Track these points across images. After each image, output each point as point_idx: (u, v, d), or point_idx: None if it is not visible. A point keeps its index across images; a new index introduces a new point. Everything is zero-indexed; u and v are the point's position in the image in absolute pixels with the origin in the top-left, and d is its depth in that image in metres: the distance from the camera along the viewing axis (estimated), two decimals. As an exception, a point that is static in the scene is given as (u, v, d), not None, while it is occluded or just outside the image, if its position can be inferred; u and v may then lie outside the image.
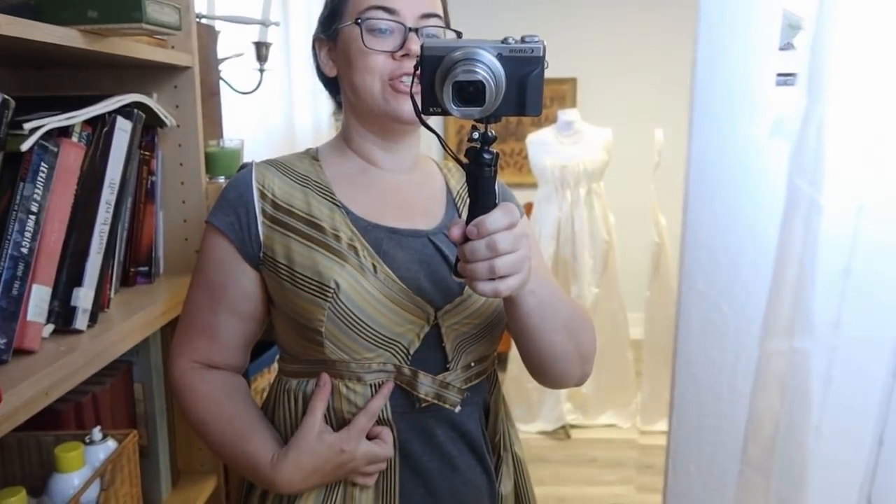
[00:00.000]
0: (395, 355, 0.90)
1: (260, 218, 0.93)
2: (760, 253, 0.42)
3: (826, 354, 0.40)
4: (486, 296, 0.77)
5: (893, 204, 0.40)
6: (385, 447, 0.91)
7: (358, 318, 0.88)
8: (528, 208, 3.52)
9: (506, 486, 1.02)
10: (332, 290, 0.88)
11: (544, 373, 0.96)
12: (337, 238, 0.91)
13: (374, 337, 0.89)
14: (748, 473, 0.41)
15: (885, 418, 0.38)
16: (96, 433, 1.02)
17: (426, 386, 0.91)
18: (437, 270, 0.93)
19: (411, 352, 0.91)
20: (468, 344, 0.94)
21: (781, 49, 0.45)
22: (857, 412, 0.40)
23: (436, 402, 0.92)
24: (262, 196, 0.94)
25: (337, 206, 0.94)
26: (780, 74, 0.44)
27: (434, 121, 0.80)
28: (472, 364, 0.96)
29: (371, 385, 0.91)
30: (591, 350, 0.98)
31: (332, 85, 1.02)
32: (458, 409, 0.93)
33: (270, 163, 0.98)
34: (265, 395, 1.53)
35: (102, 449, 1.01)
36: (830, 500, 0.41)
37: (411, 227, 0.95)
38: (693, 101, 0.43)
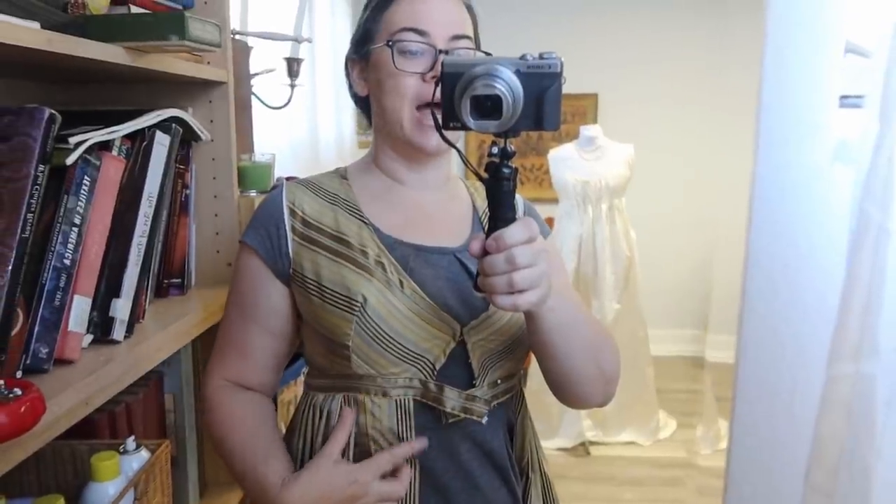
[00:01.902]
0: (420, 370, 0.91)
1: (290, 235, 0.95)
2: (821, 278, 0.42)
3: (891, 378, 0.39)
4: (505, 309, 0.77)
5: None
6: (399, 486, 0.90)
7: (384, 332, 0.89)
8: (549, 223, 3.52)
9: None
10: (359, 304, 0.89)
11: (566, 392, 0.95)
12: (364, 254, 0.92)
13: (400, 351, 0.90)
14: (812, 496, 0.41)
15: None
16: (130, 443, 1.03)
17: (453, 400, 0.91)
18: (463, 287, 0.93)
19: (437, 367, 0.91)
20: (494, 361, 0.94)
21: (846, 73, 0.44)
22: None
23: (463, 415, 0.91)
24: (293, 213, 0.96)
25: (365, 222, 0.95)
26: (844, 97, 0.43)
27: (457, 139, 0.81)
28: (499, 381, 0.95)
29: (396, 400, 0.91)
30: (614, 372, 0.97)
31: (364, 104, 1.04)
32: (485, 420, 0.92)
33: (301, 182, 1.00)
34: (290, 408, 1.55)
35: (136, 459, 1.03)
36: (897, 524, 0.41)
37: (437, 244, 0.96)
38: (758, 126, 0.43)
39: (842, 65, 0.41)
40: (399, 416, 0.91)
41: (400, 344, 0.89)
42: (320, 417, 0.95)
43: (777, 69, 0.42)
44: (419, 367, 0.91)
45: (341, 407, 0.93)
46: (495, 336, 0.93)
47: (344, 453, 0.91)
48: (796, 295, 0.41)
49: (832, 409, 0.39)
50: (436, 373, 0.91)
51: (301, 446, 0.97)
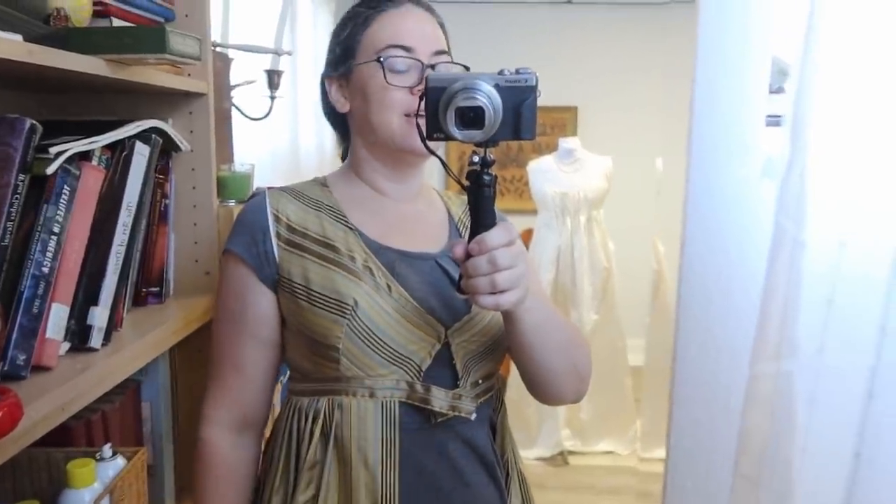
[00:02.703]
0: (407, 372, 0.93)
1: (275, 241, 0.97)
2: (751, 283, 0.46)
3: (810, 378, 0.43)
4: (487, 308, 0.82)
5: (872, 240, 0.43)
6: None
7: (374, 334, 0.92)
8: (528, 235, 3.56)
9: (509, 500, 1.04)
10: (350, 308, 0.91)
11: (542, 390, 1.00)
12: (352, 259, 0.95)
13: (388, 353, 0.93)
14: (740, 483, 0.44)
15: (864, 432, 0.41)
16: (106, 450, 1.04)
17: (441, 399, 0.94)
18: (445, 291, 0.97)
19: (423, 369, 0.94)
20: (476, 361, 0.98)
21: (773, 93, 0.48)
22: (839, 431, 0.43)
23: (451, 413, 0.94)
24: (277, 220, 0.98)
25: (350, 228, 0.98)
26: (770, 116, 0.47)
27: (438, 149, 0.85)
28: (480, 381, 0.99)
29: (382, 402, 0.93)
30: (587, 370, 1.02)
31: (338, 120, 1.07)
32: (473, 416, 0.96)
33: (283, 189, 1.03)
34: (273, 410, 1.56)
35: (112, 466, 1.03)
36: (814, 509, 0.44)
37: (419, 249, 1.00)
38: (690, 143, 0.47)
39: (768, 86, 0.44)
40: (384, 418, 0.93)
41: (389, 346, 0.92)
42: (306, 420, 0.96)
43: (708, 88, 0.45)
44: (406, 368, 0.93)
45: (325, 409, 0.95)
46: (477, 337, 0.97)
47: (326, 456, 0.93)
48: (728, 300, 0.44)
49: (756, 405, 0.42)
50: (422, 374, 0.94)
51: (285, 449, 0.98)
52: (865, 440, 0.39)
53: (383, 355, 0.93)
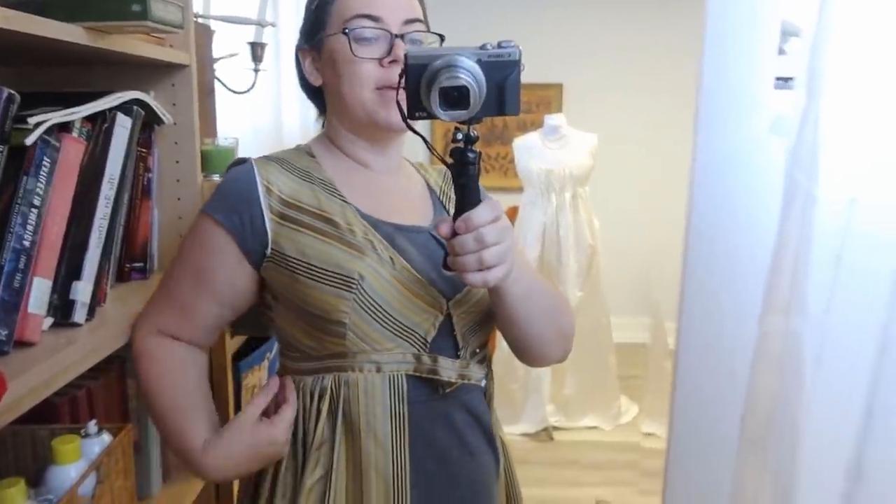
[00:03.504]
0: (413, 345, 0.93)
1: (267, 214, 0.94)
2: (757, 242, 0.45)
3: (818, 337, 0.43)
4: (476, 286, 0.83)
5: (883, 197, 0.43)
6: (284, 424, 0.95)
7: (381, 307, 0.91)
8: (514, 212, 3.55)
9: (501, 467, 1.05)
10: (356, 282, 0.90)
11: (530, 354, 1.02)
12: (352, 233, 0.93)
13: (395, 326, 0.92)
14: (746, 444, 0.44)
15: (874, 392, 0.41)
16: (92, 426, 1.03)
17: (448, 369, 0.94)
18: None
19: (429, 340, 0.94)
20: (473, 331, 0.98)
21: (781, 54, 0.48)
22: (846, 391, 0.43)
23: (461, 381, 0.95)
24: (269, 192, 0.95)
25: (346, 202, 0.96)
26: (779, 78, 0.47)
27: (421, 125, 0.84)
28: (478, 350, 1.00)
29: (389, 376, 0.93)
30: (571, 328, 1.04)
31: (315, 93, 1.04)
32: (483, 382, 0.98)
33: (270, 159, 1.00)
34: (254, 392, 1.55)
35: (98, 442, 1.02)
36: (820, 470, 0.44)
37: (411, 223, 0.99)
38: (699, 100, 0.46)
39: (777, 48, 0.44)
40: (392, 392, 0.93)
41: (395, 319, 0.92)
42: (311, 399, 0.95)
43: (717, 51, 0.44)
44: (411, 341, 0.93)
45: (331, 386, 0.94)
46: (475, 308, 0.97)
47: (335, 434, 0.93)
48: (734, 262, 0.44)
49: (764, 363, 0.42)
50: (427, 346, 0.94)
51: (293, 433, 0.96)
52: (877, 398, 0.39)
53: (390, 328, 0.92)
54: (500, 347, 3.02)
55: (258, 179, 0.95)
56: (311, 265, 0.92)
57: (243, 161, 1.00)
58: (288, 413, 0.95)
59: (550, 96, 4.62)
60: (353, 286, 0.90)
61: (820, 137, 0.40)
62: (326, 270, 0.91)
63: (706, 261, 0.45)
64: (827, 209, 0.42)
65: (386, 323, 0.92)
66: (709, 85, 0.45)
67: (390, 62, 0.93)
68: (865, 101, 0.42)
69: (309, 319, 0.93)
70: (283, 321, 0.98)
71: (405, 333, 0.93)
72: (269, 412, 0.97)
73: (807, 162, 0.40)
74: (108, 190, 1.02)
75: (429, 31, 0.99)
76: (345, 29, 0.93)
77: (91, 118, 1.01)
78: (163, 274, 1.02)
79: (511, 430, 3.37)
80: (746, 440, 0.42)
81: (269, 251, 0.94)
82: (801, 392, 0.42)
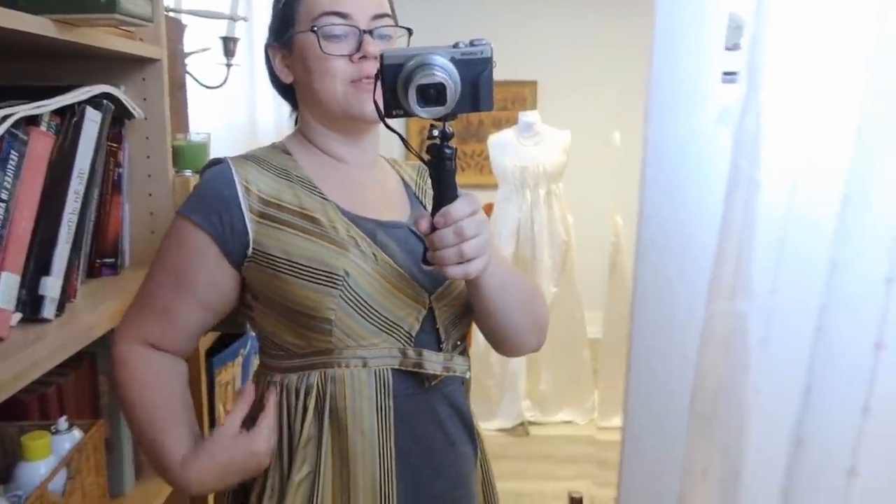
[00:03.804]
0: (398, 339, 0.94)
1: (247, 215, 0.93)
2: (707, 228, 0.47)
3: (763, 318, 0.45)
4: (456, 278, 0.84)
5: (821, 182, 0.45)
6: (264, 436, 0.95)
7: (366, 303, 0.91)
8: (489, 208, 3.58)
9: (479, 458, 1.07)
10: (341, 278, 0.90)
11: (506, 345, 1.04)
12: (335, 229, 0.93)
13: (380, 321, 0.93)
14: (696, 421, 0.46)
15: (811, 369, 0.43)
16: (62, 423, 1.02)
17: (434, 362, 0.95)
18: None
19: (413, 334, 0.95)
20: (454, 324, 0.99)
21: (729, 49, 0.50)
22: (788, 368, 0.45)
23: (446, 374, 0.96)
24: (247, 192, 0.94)
25: (326, 199, 0.96)
26: (726, 73, 0.49)
27: (396, 122, 0.85)
28: (458, 342, 1.01)
29: (375, 371, 0.93)
30: (546, 320, 1.06)
31: (286, 90, 1.04)
32: (468, 374, 1.00)
33: (246, 158, 0.99)
34: (228, 389, 1.55)
35: (68, 438, 1.02)
36: (765, 443, 0.47)
37: (390, 218, 0.99)
38: (650, 95, 0.48)
39: (723, 43, 0.46)
40: (378, 387, 0.93)
41: (380, 314, 0.92)
42: (297, 397, 0.95)
43: (666, 47, 0.46)
44: (396, 336, 0.94)
45: (317, 383, 0.93)
46: (456, 301, 0.98)
47: (322, 431, 0.93)
48: (686, 245, 0.46)
49: (711, 344, 0.43)
50: (412, 340, 0.95)
51: (277, 431, 0.96)
52: (814, 374, 0.41)
53: (375, 324, 0.92)
54: (476, 343, 3.04)
55: (236, 179, 0.95)
56: (296, 263, 0.92)
57: (219, 161, 0.99)
58: (267, 422, 0.95)
59: (525, 93, 4.65)
60: (339, 283, 0.90)
61: (762, 125, 0.42)
62: (312, 268, 0.91)
63: (659, 248, 0.46)
64: (769, 194, 0.44)
65: (371, 318, 0.92)
66: (658, 79, 0.47)
67: (360, 58, 0.94)
68: (804, 90, 0.44)
69: (293, 317, 0.93)
70: (264, 320, 0.98)
71: (390, 328, 0.93)
72: (247, 421, 0.97)
73: (749, 148, 0.42)
74: (77, 184, 1.02)
75: (397, 25, 1.00)
76: (313, 27, 0.94)
77: (60, 112, 1.01)
78: (141, 281, 1.00)
79: (487, 426, 3.39)
80: (695, 414, 0.44)
81: (250, 251, 0.93)
82: (747, 370, 0.44)
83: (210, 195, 0.95)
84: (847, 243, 0.42)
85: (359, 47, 0.94)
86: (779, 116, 0.45)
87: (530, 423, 3.50)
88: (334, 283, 0.90)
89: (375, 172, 1.05)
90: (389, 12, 0.99)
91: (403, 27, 1.00)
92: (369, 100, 0.92)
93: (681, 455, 0.48)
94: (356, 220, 0.96)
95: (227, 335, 1.52)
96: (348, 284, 0.90)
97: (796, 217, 0.45)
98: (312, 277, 0.91)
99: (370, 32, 0.95)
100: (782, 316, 0.46)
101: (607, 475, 3.07)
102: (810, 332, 0.44)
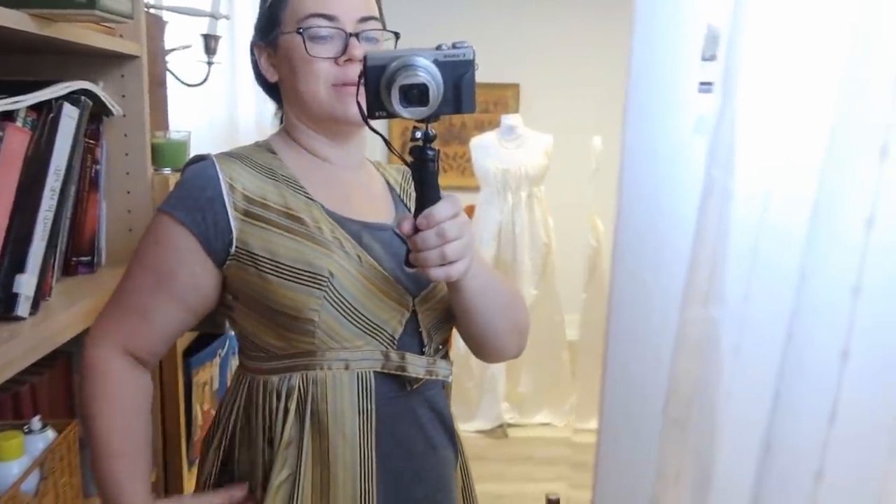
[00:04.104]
0: (381, 342, 0.93)
1: (231, 212, 0.92)
2: (682, 235, 0.48)
3: (736, 325, 0.46)
4: (438, 280, 0.85)
5: (795, 191, 0.46)
6: None
7: (350, 305, 0.91)
8: (471, 211, 3.59)
9: (459, 461, 1.07)
10: (326, 279, 0.89)
11: (486, 349, 1.03)
12: (320, 230, 0.93)
13: (364, 323, 0.92)
14: (669, 426, 0.47)
15: (782, 375, 0.44)
16: (35, 422, 1.00)
17: (417, 366, 0.95)
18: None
19: (396, 337, 0.94)
20: (437, 327, 0.99)
21: (707, 60, 0.51)
22: (759, 374, 0.46)
23: (429, 377, 0.96)
24: (232, 190, 0.93)
25: (311, 199, 0.95)
26: (702, 83, 0.50)
27: (379, 124, 0.86)
28: (440, 346, 1.01)
29: (358, 374, 0.93)
30: (525, 324, 1.06)
31: (271, 88, 1.04)
32: (450, 378, 0.99)
33: (231, 155, 0.98)
34: (206, 389, 1.54)
35: (42, 438, 1.00)
36: (736, 448, 0.48)
37: (375, 220, 0.99)
38: (627, 101, 0.49)
39: (700, 50, 0.47)
40: (360, 389, 0.93)
41: (364, 316, 0.92)
42: (279, 398, 0.93)
43: (644, 53, 0.47)
44: (380, 339, 0.93)
45: (299, 385, 0.92)
46: (439, 304, 0.98)
47: (303, 433, 0.92)
48: (661, 250, 0.47)
49: (685, 350, 0.44)
50: (396, 343, 0.94)
51: (258, 430, 0.95)
52: (784, 380, 0.42)
53: (359, 326, 0.92)
54: (456, 346, 3.04)
55: (221, 176, 0.93)
56: (280, 263, 0.91)
57: (202, 158, 0.98)
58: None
59: (507, 96, 4.67)
60: (324, 284, 0.89)
61: (736, 135, 0.43)
62: (296, 268, 0.90)
63: (634, 253, 0.47)
64: (743, 203, 0.45)
65: (355, 320, 0.92)
66: (636, 86, 0.48)
67: (345, 61, 0.93)
68: (777, 102, 0.45)
69: (276, 318, 0.92)
70: (245, 321, 0.96)
71: (374, 331, 0.93)
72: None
73: (723, 158, 0.43)
74: (53, 181, 1.00)
75: (384, 28, 0.99)
76: (299, 28, 0.93)
77: (36, 108, 0.99)
78: (119, 279, 0.98)
79: (466, 428, 3.40)
80: (669, 418, 0.45)
81: (233, 250, 0.92)
82: (720, 376, 0.44)
83: (194, 192, 0.93)
84: (816, 253, 0.43)
85: (344, 50, 0.94)
86: (753, 127, 0.46)
87: (509, 425, 3.51)
88: (318, 284, 0.89)
89: (361, 174, 1.05)
90: (377, 15, 0.99)
91: (391, 31, 1.00)
92: (353, 103, 0.92)
93: (654, 456, 0.48)
94: (341, 221, 0.95)
95: (205, 335, 1.51)
96: (332, 286, 0.90)
97: (769, 227, 0.46)
98: (296, 278, 0.90)
99: (356, 36, 0.94)
100: (754, 323, 0.47)
101: (583, 477, 3.09)
102: (781, 340, 0.45)
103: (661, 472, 0.48)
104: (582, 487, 2.98)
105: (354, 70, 0.92)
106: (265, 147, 1.01)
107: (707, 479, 0.46)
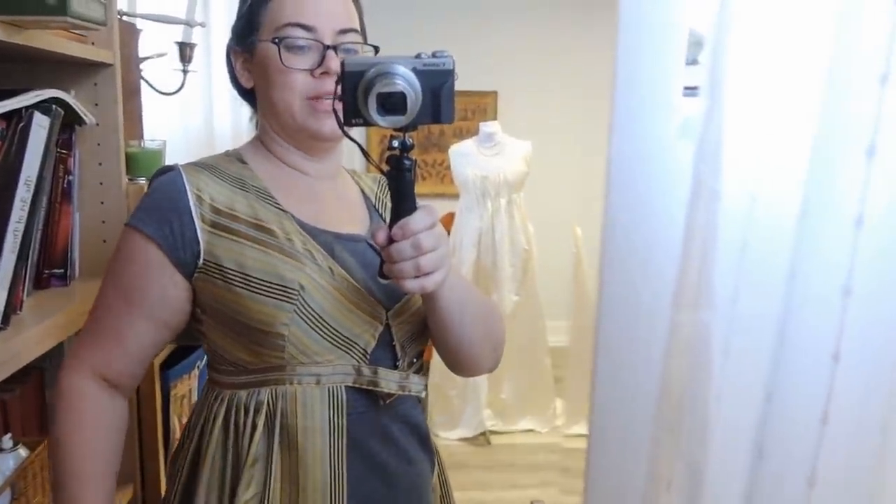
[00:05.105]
0: (353, 356, 0.91)
1: (199, 224, 0.90)
2: (669, 236, 0.48)
3: (725, 327, 0.45)
4: (413, 292, 0.82)
5: (783, 192, 0.46)
6: None
7: (321, 318, 0.89)
8: (450, 218, 3.58)
9: (436, 473, 1.06)
10: (296, 292, 0.87)
11: (462, 363, 1.01)
12: (290, 242, 0.91)
13: (335, 337, 0.90)
14: (659, 432, 0.46)
15: (773, 376, 0.44)
16: (6, 441, 0.98)
17: (389, 381, 0.93)
18: None
19: (369, 352, 0.92)
20: (411, 341, 0.97)
21: (689, 64, 0.50)
22: (750, 376, 0.46)
23: (402, 392, 0.94)
24: (199, 201, 0.91)
25: (282, 210, 0.93)
26: (686, 87, 0.50)
27: (356, 133, 0.84)
28: (415, 360, 0.99)
29: (329, 388, 0.91)
30: (502, 338, 1.04)
31: (247, 93, 1.02)
32: (423, 393, 0.97)
33: (199, 165, 0.96)
34: (184, 402, 1.51)
35: (13, 457, 0.98)
36: (727, 451, 0.47)
37: (348, 231, 0.97)
38: (613, 106, 0.48)
39: (685, 55, 0.47)
40: (331, 405, 0.91)
41: (335, 330, 0.90)
42: (246, 414, 0.91)
43: (628, 58, 0.47)
44: (352, 353, 0.91)
45: (268, 399, 0.90)
46: (413, 318, 0.96)
47: (272, 449, 0.89)
48: (650, 253, 0.46)
49: (675, 353, 0.44)
50: (368, 357, 0.92)
51: (222, 446, 0.92)
52: (776, 381, 0.42)
53: (330, 340, 0.90)
54: (437, 355, 3.01)
55: (188, 188, 0.91)
56: (249, 276, 0.89)
57: (170, 169, 0.96)
58: None
59: (486, 104, 4.68)
60: (294, 297, 0.87)
61: (723, 138, 0.43)
62: (265, 281, 0.88)
63: (623, 257, 0.47)
64: (730, 204, 0.44)
65: (326, 334, 0.90)
66: (621, 91, 0.48)
67: (321, 74, 0.92)
68: (763, 104, 0.45)
69: (245, 332, 0.90)
70: (214, 334, 0.94)
71: (345, 345, 0.91)
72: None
73: (711, 160, 0.42)
74: (24, 192, 0.98)
75: (365, 42, 0.98)
76: (275, 38, 0.92)
77: (6, 117, 0.97)
78: (93, 292, 0.95)
79: (449, 436, 3.38)
80: (659, 424, 0.44)
81: (200, 262, 0.90)
82: (710, 379, 0.44)
83: (161, 203, 0.91)
84: (805, 254, 0.43)
85: (321, 62, 0.92)
86: (739, 129, 0.45)
87: (492, 432, 3.50)
88: (289, 298, 0.87)
89: (336, 184, 1.03)
90: (357, 27, 0.97)
91: (370, 45, 0.98)
92: (326, 118, 0.91)
93: (645, 462, 0.48)
94: (313, 232, 0.93)
95: (183, 347, 1.48)
96: (303, 299, 0.88)
97: (756, 227, 0.46)
98: (266, 291, 0.88)
99: (335, 48, 0.92)
100: (744, 325, 0.47)
101: (572, 482, 3.09)
102: (771, 342, 0.45)
103: (652, 478, 0.47)
104: (571, 493, 2.98)
105: (330, 83, 0.91)
106: (235, 156, 0.99)
107: (699, 485, 0.46)
